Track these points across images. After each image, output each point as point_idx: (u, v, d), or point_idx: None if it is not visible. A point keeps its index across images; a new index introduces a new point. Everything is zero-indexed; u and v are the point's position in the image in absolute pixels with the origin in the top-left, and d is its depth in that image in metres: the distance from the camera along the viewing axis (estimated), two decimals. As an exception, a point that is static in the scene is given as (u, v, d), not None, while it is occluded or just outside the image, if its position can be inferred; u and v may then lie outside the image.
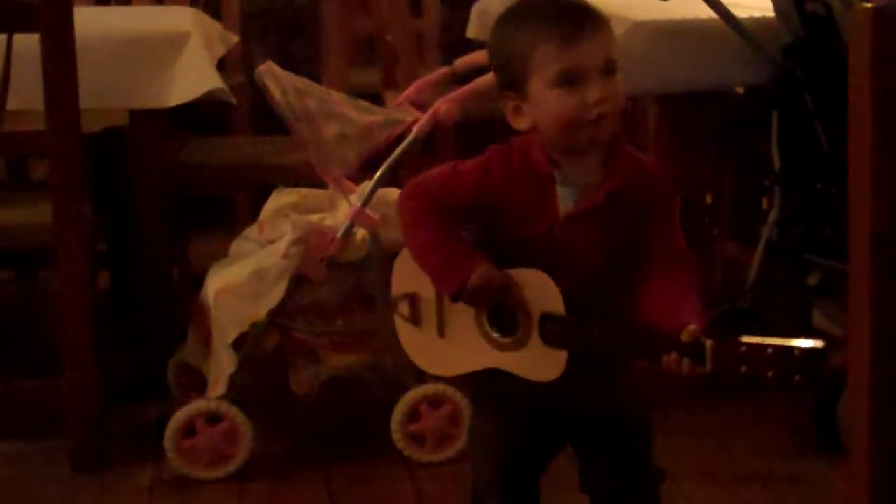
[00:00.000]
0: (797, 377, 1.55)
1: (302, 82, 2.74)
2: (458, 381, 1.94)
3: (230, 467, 2.66)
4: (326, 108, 2.69)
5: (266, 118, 3.73)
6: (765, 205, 3.34)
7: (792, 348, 1.55)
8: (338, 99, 2.74)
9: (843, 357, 2.80)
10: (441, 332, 1.85)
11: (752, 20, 3.00)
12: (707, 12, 2.92)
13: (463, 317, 1.81)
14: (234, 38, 3.68)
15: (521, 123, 1.76)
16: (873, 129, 1.32)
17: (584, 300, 1.72)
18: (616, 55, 1.72)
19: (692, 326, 1.61)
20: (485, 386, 1.85)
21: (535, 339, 1.74)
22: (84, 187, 2.70)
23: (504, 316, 1.78)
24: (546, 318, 1.73)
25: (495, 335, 1.79)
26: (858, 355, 1.28)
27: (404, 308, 1.89)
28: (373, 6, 3.99)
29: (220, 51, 3.37)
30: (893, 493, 1.30)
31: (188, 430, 2.64)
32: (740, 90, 3.39)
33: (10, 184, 3.73)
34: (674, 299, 1.68)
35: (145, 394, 2.98)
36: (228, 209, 4.09)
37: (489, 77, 2.75)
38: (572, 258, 1.74)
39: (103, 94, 2.84)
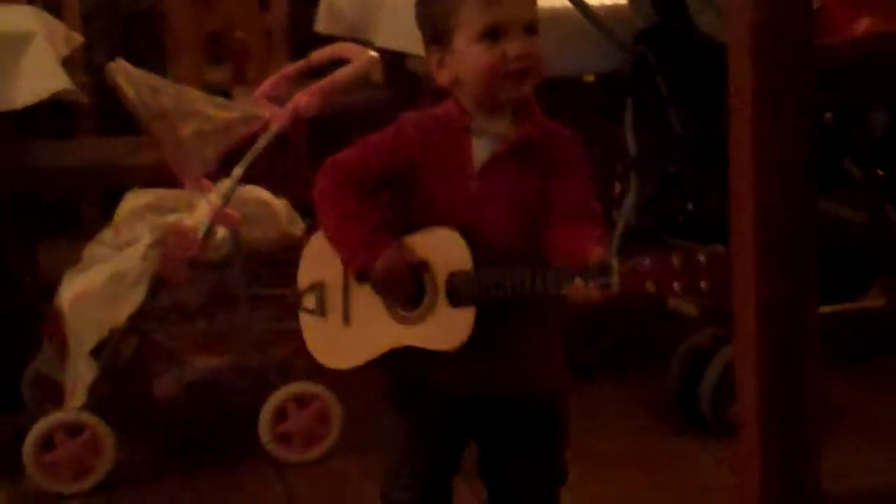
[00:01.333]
0: (703, 284, 1.53)
1: (155, 80, 2.67)
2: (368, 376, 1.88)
3: (94, 479, 2.57)
4: (182, 106, 2.63)
5: (110, 119, 3.64)
6: (617, 190, 3.38)
7: (696, 256, 1.55)
8: (193, 96, 2.68)
9: (704, 336, 2.88)
10: (347, 319, 1.83)
11: (605, 7, 3.02)
12: (560, 1, 2.93)
13: (369, 298, 1.80)
14: (78, 38, 3.57)
15: (444, 77, 1.80)
16: (753, 108, 1.32)
17: (496, 258, 1.73)
18: (537, 17, 1.77)
19: (597, 249, 1.63)
20: (391, 374, 1.84)
21: (441, 304, 1.74)
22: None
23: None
24: (453, 276, 1.73)
25: (401, 311, 1.77)
26: (745, 334, 1.29)
27: (310, 300, 1.87)
28: (220, 2, 3.92)
29: (64, 51, 3.27)
30: (782, 473, 1.31)
31: (47, 443, 2.55)
32: (591, 77, 3.42)
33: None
34: (577, 237, 1.70)
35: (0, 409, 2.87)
36: (73, 214, 3.97)
37: (348, 70, 2.74)
38: (487, 211, 1.76)
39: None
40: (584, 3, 2.93)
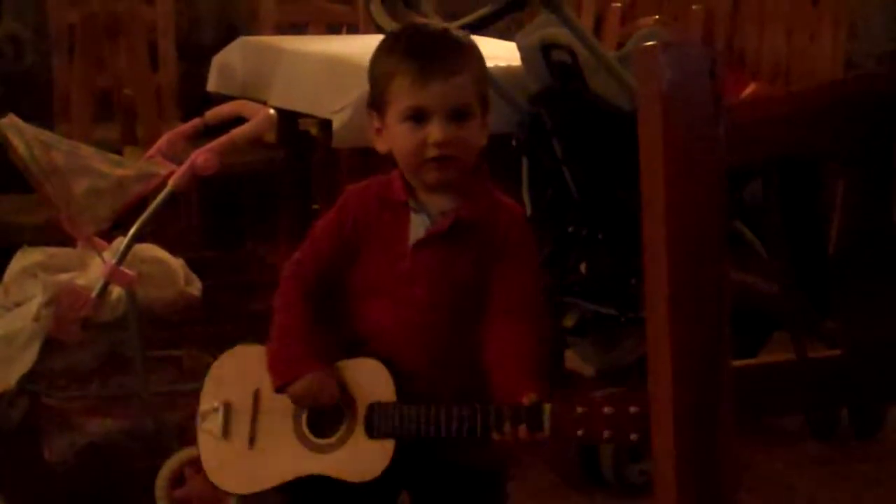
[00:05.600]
0: (633, 436, 1.57)
1: (47, 135, 2.63)
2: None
3: (-19, 546, 2.50)
4: (75, 163, 2.59)
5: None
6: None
7: (627, 408, 1.57)
8: (86, 153, 2.65)
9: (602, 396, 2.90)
10: (252, 443, 1.81)
11: (500, 69, 3.05)
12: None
13: (279, 422, 1.79)
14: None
15: (380, 145, 1.80)
16: (665, 168, 1.34)
17: (428, 339, 1.73)
18: (475, 101, 1.74)
19: (531, 394, 1.62)
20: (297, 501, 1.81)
21: (358, 434, 1.72)
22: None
23: (326, 416, 1.75)
24: (373, 407, 1.72)
25: (314, 438, 1.76)
26: (661, 395, 1.31)
27: (214, 421, 1.84)
28: (110, 61, 3.88)
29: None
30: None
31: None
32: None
33: None
34: (513, 356, 1.68)
35: None
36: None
37: (246, 128, 2.72)
38: (415, 289, 1.75)
39: None
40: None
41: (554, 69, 2.94)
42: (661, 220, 1.38)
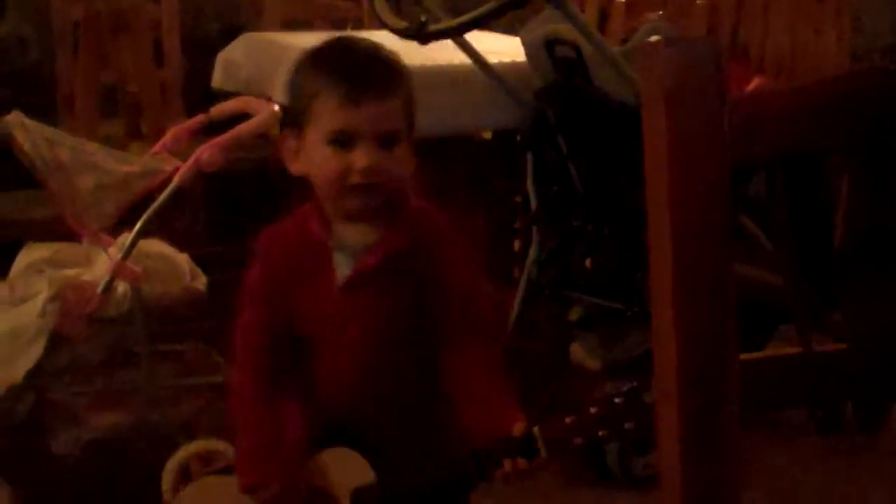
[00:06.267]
0: (627, 425, 1.53)
1: (52, 132, 2.64)
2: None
3: (-11, 540, 2.51)
4: (80, 159, 2.59)
5: (4, 172, 3.56)
6: (516, 246, 3.41)
7: (612, 401, 1.53)
8: (92, 149, 2.65)
9: (602, 388, 2.90)
10: None
11: (504, 65, 3.06)
12: (461, 58, 2.96)
13: None
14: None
15: (295, 167, 1.67)
16: (669, 164, 1.35)
17: (380, 382, 1.63)
18: (404, 126, 1.63)
19: (518, 424, 1.56)
20: None
21: None
22: None
23: None
24: (357, 492, 1.63)
25: None
26: (666, 389, 1.31)
27: None
28: (114, 57, 3.88)
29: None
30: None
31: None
32: (487, 135, 3.45)
33: None
34: (484, 388, 1.59)
35: None
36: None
37: (251, 124, 2.72)
38: (350, 329, 1.64)
39: None
40: (485, 61, 2.96)
41: (558, 64, 2.95)
42: (666, 215, 1.38)
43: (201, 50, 4.23)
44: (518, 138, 3.05)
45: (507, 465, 1.55)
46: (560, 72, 2.96)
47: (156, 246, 2.71)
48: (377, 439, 1.65)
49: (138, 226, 2.59)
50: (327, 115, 1.59)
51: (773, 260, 2.47)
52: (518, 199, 3.27)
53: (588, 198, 2.94)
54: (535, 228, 3.08)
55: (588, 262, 2.99)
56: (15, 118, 2.60)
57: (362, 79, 1.60)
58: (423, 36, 2.52)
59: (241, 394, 1.71)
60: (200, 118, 2.89)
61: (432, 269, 1.64)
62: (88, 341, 2.59)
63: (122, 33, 3.88)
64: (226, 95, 3.39)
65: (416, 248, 1.64)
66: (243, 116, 2.79)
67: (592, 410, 1.53)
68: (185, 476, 2.58)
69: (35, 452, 2.61)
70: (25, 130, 2.59)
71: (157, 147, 2.81)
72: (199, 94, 3.86)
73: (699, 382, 1.35)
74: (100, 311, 2.57)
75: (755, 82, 3.74)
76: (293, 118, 1.66)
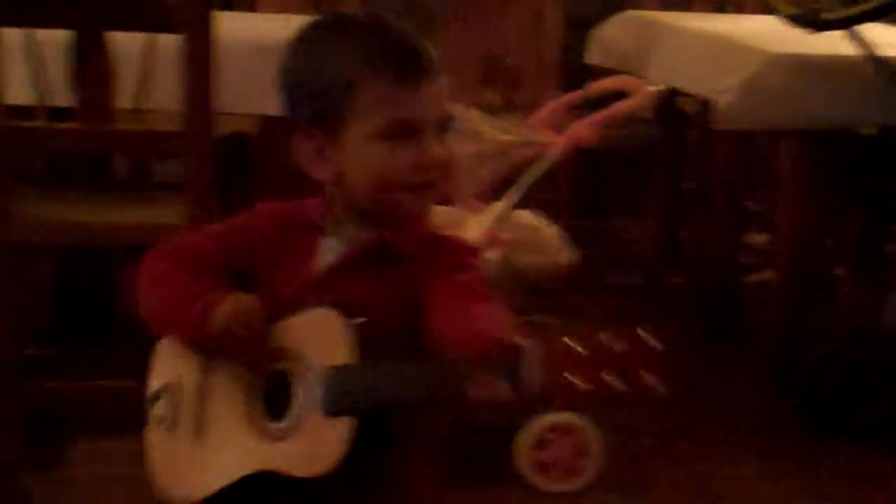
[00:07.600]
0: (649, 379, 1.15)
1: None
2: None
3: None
4: (462, 126, 2.66)
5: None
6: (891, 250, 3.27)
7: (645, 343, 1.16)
8: (473, 115, 2.72)
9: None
10: (198, 432, 1.41)
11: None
12: (847, 49, 2.85)
13: (229, 405, 1.40)
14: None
15: (321, 172, 1.40)
16: None
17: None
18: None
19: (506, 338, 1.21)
20: None
21: (311, 414, 1.33)
22: (215, 189, 2.66)
23: (283, 395, 1.38)
24: (329, 373, 1.32)
25: (266, 422, 1.38)
26: None
27: (160, 408, 1.45)
28: (495, 27, 3.97)
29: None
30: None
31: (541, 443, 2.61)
32: (872, 130, 3.31)
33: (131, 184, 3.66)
34: (464, 306, 1.31)
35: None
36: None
37: (627, 103, 2.72)
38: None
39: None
40: (874, 52, 2.83)
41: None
42: None
43: (578, 25, 4.26)
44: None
45: (482, 382, 1.20)
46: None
47: (526, 217, 2.75)
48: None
49: (512, 196, 2.63)
50: (379, 107, 1.34)
51: None
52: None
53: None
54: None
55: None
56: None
57: (411, 56, 1.35)
58: (817, 24, 2.44)
59: (165, 276, 1.44)
60: (577, 94, 2.91)
61: (432, 264, 1.39)
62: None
63: (508, 5, 3.96)
64: (598, 71, 3.40)
65: (420, 253, 1.40)
66: (617, 95, 2.79)
67: (616, 348, 1.15)
68: (541, 445, 2.59)
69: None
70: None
71: (534, 119, 2.85)
72: (573, 69, 3.90)
73: None
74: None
75: None
76: (318, 116, 1.39)
